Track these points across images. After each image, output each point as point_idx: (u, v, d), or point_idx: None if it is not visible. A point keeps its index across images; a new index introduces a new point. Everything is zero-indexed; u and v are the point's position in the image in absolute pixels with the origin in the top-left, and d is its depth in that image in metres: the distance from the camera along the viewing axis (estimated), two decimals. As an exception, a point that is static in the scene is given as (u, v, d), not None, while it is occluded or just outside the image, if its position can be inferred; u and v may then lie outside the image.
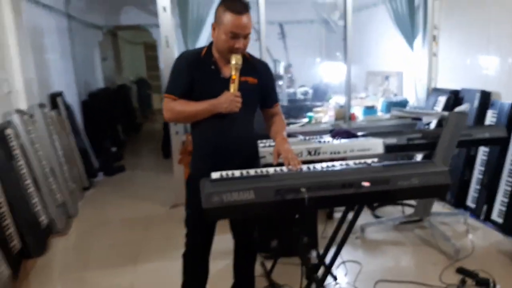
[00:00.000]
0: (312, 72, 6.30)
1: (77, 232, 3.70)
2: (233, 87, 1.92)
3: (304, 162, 1.99)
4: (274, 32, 7.04)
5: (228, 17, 1.86)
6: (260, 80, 2.07)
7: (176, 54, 3.88)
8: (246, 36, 1.93)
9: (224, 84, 1.94)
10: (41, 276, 2.94)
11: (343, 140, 2.73)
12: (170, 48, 3.93)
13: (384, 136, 2.94)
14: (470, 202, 3.67)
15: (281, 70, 4.74)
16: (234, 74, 1.92)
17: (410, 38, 4.39)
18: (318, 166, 1.97)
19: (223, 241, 2.36)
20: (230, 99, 1.91)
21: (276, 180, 1.76)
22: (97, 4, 6.80)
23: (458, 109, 2.88)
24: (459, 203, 3.77)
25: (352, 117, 4.27)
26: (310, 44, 6.88)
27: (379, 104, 4.47)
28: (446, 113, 2.87)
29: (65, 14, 5.54)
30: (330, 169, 1.89)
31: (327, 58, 6.62)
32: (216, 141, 2.02)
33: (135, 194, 4.59)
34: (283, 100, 4.49)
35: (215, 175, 1.85)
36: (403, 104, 4.39)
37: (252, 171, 1.90)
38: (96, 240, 3.52)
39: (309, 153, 2.61)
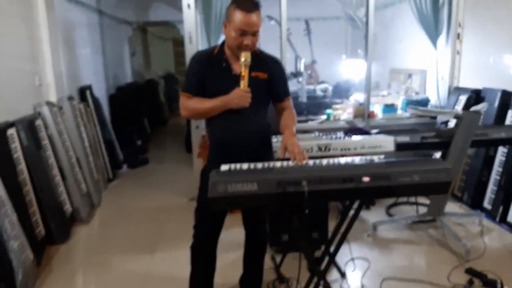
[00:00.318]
0: (336, 69, 6.30)
1: (99, 221, 3.89)
2: (243, 84, 2.00)
3: (315, 158, 2.04)
4: (300, 28, 7.08)
5: (238, 15, 1.95)
6: (270, 75, 2.14)
7: (200, 49, 3.99)
8: (254, 34, 2.00)
9: (235, 80, 2.02)
10: (63, 262, 3.10)
11: (355, 137, 2.76)
12: (194, 44, 4.03)
13: (397, 134, 2.96)
14: (487, 204, 3.63)
15: (301, 66, 4.76)
16: (244, 71, 2.00)
17: (433, 36, 4.34)
18: (324, 161, 2.02)
19: (235, 234, 2.44)
20: (240, 95, 1.99)
21: (279, 173, 1.83)
22: (127, 1, 7.01)
23: (473, 108, 2.86)
24: (476, 204, 3.72)
25: (371, 115, 4.26)
26: (335, 41, 6.87)
27: (400, 102, 4.45)
28: (460, 112, 2.85)
29: (96, 10, 5.76)
30: (333, 163, 1.94)
31: (352, 55, 6.59)
32: (229, 135, 2.12)
33: (157, 186, 4.75)
34: (302, 97, 4.53)
35: (224, 167, 1.93)
36: (423, 102, 4.35)
37: (259, 165, 1.96)
38: (117, 229, 3.68)
39: (320, 149, 2.66)
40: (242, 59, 1.99)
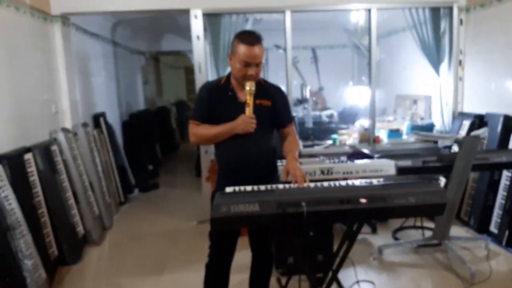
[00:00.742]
0: (342, 95, 6.43)
1: (110, 243, 3.98)
2: (248, 110, 2.15)
3: (317, 181, 2.13)
4: (307, 56, 7.28)
5: (241, 48, 2.11)
6: (273, 103, 2.28)
7: (209, 79, 4.16)
8: (257, 65, 2.16)
9: (241, 107, 2.17)
10: (74, 282, 3.20)
11: (357, 161, 2.84)
12: (203, 73, 4.21)
13: (400, 158, 3.03)
14: (493, 228, 3.64)
15: (307, 93, 4.90)
16: (249, 99, 2.15)
17: (436, 63, 4.45)
18: (324, 183, 2.11)
19: (242, 257, 2.51)
20: (245, 121, 2.14)
21: (279, 194, 1.93)
22: (140, 32, 7.30)
23: (473, 133, 2.93)
24: (482, 228, 3.73)
25: (376, 140, 4.35)
26: (342, 68, 7.03)
27: (405, 127, 4.53)
28: (460, 137, 2.92)
29: (110, 41, 6.02)
30: (331, 186, 2.03)
31: (358, 82, 6.73)
32: (235, 159, 2.24)
33: (166, 210, 4.86)
34: (308, 122, 4.64)
35: (229, 189, 2.03)
36: (428, 128, 4.42)
37: (262, 187, 2.07)
38: (127, 251, 3.77)
39: (322, 172, 2.74)
40: (247, 88, 2.13)
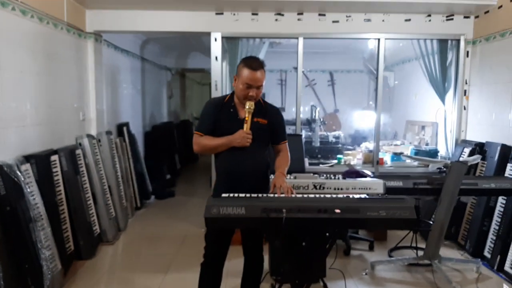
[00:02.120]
0: (356, 118, 6.65)
1: (123, 243, 4.30)
2: (246, 126, 2.44)
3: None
4: (325, 79, 7.57)
5: (245, 72, 2.41)
6: (269, 122, 2.56)
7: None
8: (258, 87, 2.45)
9: (240, 123, 2.46)
10: (87, 275, 3.50)
11: (349, 179, 3.07)
12: (219, 91, 4.54)
13: (392, 179, 3.23)
14: (487, 252, 3.76)
15: (316, 115, 5.16)
16: (247, 116, 2.44)
17: (442, 92, 4.64)
18: (311, 195, 2.35)
19: (236, 264, 2.77)
20: (242, 136, 2.42)
21: (265, 201, 2.19)
22: (168, 50, 7.77)
23: (463, 159, 3.11)
24: (477, 252, 3.85)
25: (380, 162, 4.55)
26: (357, 92, 7.25)
27: (409, 151, 4.70)
28: (448, 162, 3.11)
29: (139, 57, 6.47)
30: (312, 197, 2.27)
31: (371, 107, 6.94)
32: (231, 169, 2.52)
33: (178, 216, 5.17)
34: (316, 142, 4.89)
35: (224, 195, 2.30)
36: (432, 153, 4.59)
37: (254, 195, 2.33)
38: (137, 251, 4.08)
39: (315, 187, 2.98)
40: (247, 107, 2.43)
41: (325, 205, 2.13)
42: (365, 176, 3.29)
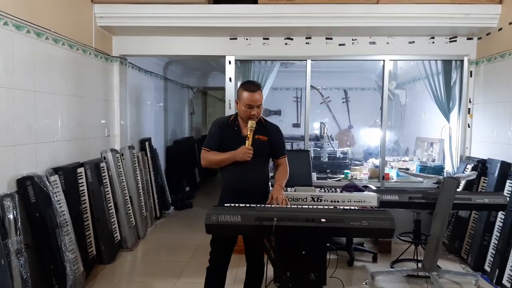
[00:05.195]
0: (369, 134, 6.83)
1: (141, 250, 4.63)
2: (248, 143, 2.73)
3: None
4: (340, 96, 7.80)
5: (245, 95, 2.72)
6: (269, 138, 2.85)
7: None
8: (258, 106, 2.74)
9: (242, 140, 2.76)
10: (107, 278, 3.83)
11: (346, 192, 3.29)
12: (232, 110, 4.85)
13: (388, 193, 3.44)
14: (487, 266, 3.87)
15: (325, 131, 5.40)
16: (249, 134, 2.73)
17: (446, 111, 4.81)
18: (301, 206, 2.60)
19: (240, 272, 3.03)
20: (243, 151, 2.72)
21: (259, 210, 2.45)
22: (190, 70, 8.20)
23: (457, 175, 3.29)
24: (478, 266, 3.97)
25: (386, 177, 4.73)
26: (370, 109, 7.44)
27: (414, 167, 4.87)
28: (441, 177, 3.29)
29: (162, 77, 6.89)
30: (302, 208, 2.52)
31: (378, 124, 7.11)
32: (234, 181, 2.82)
33: (195, 226, 5.47)
34: (324, 157, 5.12)
35: (227, 204, 2.59)
36: (437, 169, 4.73)
37: (252, 205, 2.60)
38: (154, 258, 4.40)
39: (313, 199, 3.22)
40: (249, 125, 2.73)
41: (313, 215, 2.38)
42: (362, 190, 3.50)
